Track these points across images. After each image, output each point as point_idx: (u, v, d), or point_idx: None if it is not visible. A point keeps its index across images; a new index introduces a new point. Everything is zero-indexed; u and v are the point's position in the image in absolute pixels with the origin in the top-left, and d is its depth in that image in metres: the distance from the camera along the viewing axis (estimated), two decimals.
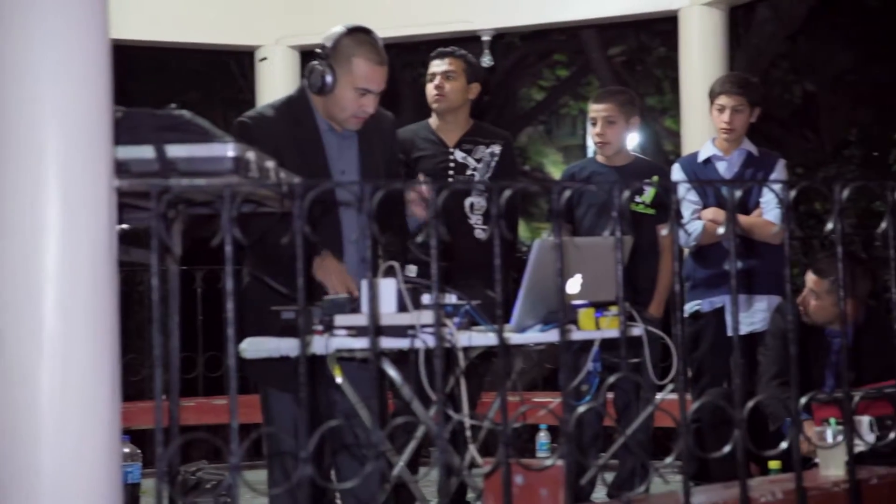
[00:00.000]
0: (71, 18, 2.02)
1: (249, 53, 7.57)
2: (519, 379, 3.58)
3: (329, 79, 3.52)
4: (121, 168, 2.39)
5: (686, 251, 5.12)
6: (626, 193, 2.55)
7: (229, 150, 2.45)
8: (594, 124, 4.87)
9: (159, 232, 2.14)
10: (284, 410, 3.48)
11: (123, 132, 2.45)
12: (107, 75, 2.08)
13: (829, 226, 2.68)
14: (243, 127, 3.56)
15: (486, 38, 6.91)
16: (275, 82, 7.12)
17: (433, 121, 4.74)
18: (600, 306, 3.32)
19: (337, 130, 3.63)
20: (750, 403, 2.73)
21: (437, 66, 4.74)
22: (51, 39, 2.01)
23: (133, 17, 6.74)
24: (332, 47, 3.56)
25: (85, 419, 2.08)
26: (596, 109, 4.86)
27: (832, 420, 3.25)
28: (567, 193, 2.47)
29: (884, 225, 2.72)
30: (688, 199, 4.85)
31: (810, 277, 4.41)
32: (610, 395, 4.76)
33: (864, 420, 3.36)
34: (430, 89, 4.73)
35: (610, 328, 3.27)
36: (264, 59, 7.13)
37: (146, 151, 2.44)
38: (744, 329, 4.77)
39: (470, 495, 4.32)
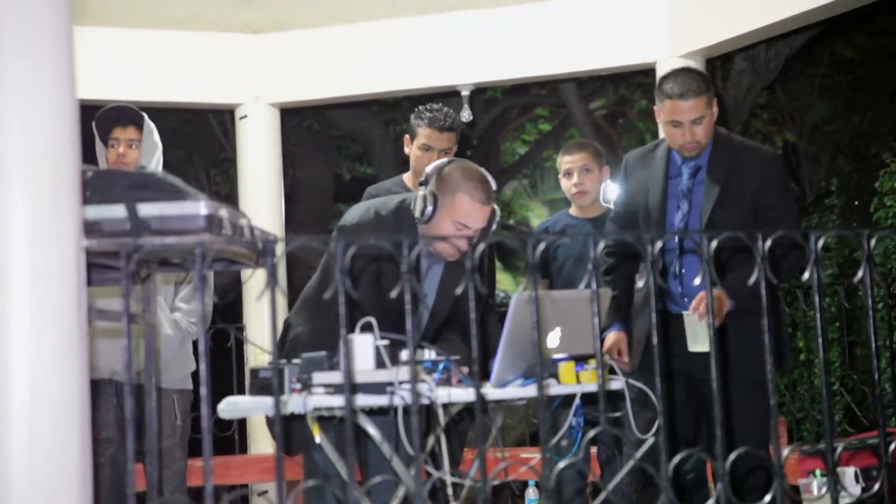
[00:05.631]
0: (37, 80, 2.00)
1: (230, 112, 7.59)
2: (501, 435, 3.53)
3: (430, 208, 3.55)
4: (93, 228, 2.37)
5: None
6: (602, 245, 2.54)
7: (202, 207, 2.43)
8: (569, 175, 4.92)
9: (129, 291, 2.12)
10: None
11: (95, 191, 2.44)
12: (74, 135, 2.07)
13: (806, 275, 2.67)
14: (346, 232, 3.61)
15: (465, 92, 6.95)
16: (256, 140, 7.14)
17: (408, 177, 4.73)
18: (581, 360, 3.29)
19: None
20: (732, 456, 2.71)
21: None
22: (16, 101, 1.99)
23: (114, 77, 6.76)
24: (439, 176, 3.59)
25: (55, 491, 2.04)
26: (570, 161, 4.93)
27: (817, 471, 3.23)
28: (542, 246, 2.46)
29: (861, 273, 2.71)
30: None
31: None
32: (594, 450, 4.72)
33: (849, 471, 3.33)
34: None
35: (590, 382, 3.24)
36: (244, 116, 7.14)
37: (118, 210, 2.42)
38: None
39: None
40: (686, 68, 4.29)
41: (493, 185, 3.62)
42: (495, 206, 3.64)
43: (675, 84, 4.10)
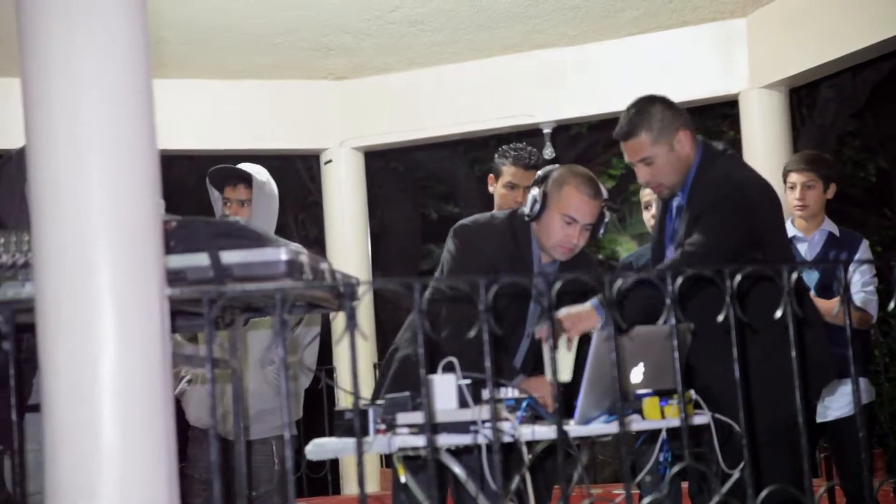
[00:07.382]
0: (116, 133, 2.07)
1: (316, 156, 7.72)
2: (590, 471, 3.51)
3: (538, 204, 3.64)
4: (178, 276, 2.43)
5: None
6: (680, 280, 2.53)
7: (282, 253, 2.48)
8: (647, 208, 4.71)
9: (212, 338, 2.16)
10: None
11: (179, 241, 2.50)
12: (155, 187, 2.13)
13: (892, 305, 2.63)
14: (463, 229, 3.74)
15: (546, 130, 6.98)
16: (341, 183, 7.25)
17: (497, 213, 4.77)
18: (666, 395, 3.27)
19: (544, 260, 3.74)
20: (821, 490, 2.67)
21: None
22: (96, 153, 2.06)
23: (202, 127, 6.92)
24: (548, 174, 3.70)
25: None
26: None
27: None
28: (619, 283, 2.47)
29: None
30: None
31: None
32: (685, 485, 4.67)
33: None
34: None
35: (675, 417, 3.22)
36: (329, 161, 7.26)
37: (201, 259, 2.48)
38: (831, 415, 4.66)
39: None
40: (629, 106, 3.76)
41: (604, 193, 3.69)
42: (605, 210, 3.66)
43: (618, 125, 3.74)
